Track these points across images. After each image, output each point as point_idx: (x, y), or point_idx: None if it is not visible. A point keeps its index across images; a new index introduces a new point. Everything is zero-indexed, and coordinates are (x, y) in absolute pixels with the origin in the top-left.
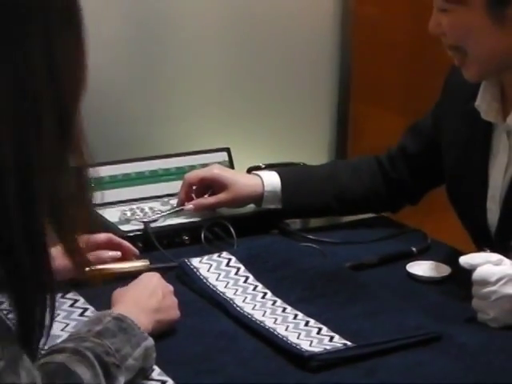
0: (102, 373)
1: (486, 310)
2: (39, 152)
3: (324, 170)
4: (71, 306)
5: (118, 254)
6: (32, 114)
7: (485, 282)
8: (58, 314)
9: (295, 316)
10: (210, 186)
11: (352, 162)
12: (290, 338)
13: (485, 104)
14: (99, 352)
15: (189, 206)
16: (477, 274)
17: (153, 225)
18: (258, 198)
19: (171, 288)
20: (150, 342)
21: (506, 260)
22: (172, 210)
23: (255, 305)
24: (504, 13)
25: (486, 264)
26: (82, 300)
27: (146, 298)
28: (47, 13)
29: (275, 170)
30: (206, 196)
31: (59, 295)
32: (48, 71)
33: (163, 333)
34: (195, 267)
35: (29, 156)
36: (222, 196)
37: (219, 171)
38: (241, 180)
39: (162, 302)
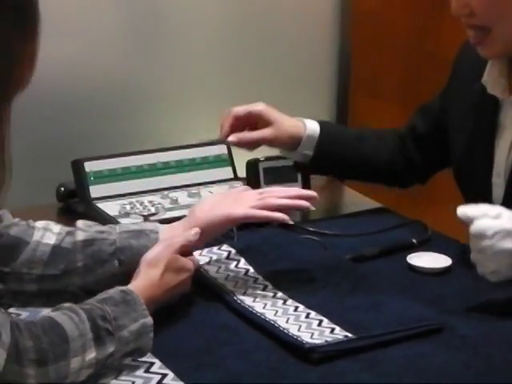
0: (91, 335)
1: (484, 263)
2: None
3: (356, 132)
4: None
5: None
6: None
7: (482, 236)
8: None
9: (296, 308)
10: (255, 121)
11: (378, 131)
12: (290, 330)
13: (491, 79)
14: (95, 315)
15: (232, 138)
16: (474, 228)
17: (153, 218)
18: (297, 142)
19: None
20: (149, 320)
21: (504, 213)
22: (215, 141)
23: (256, 297)
24: None
25: (483, 217)
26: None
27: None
28: None
29: (316, 120)
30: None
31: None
32: None
33: (164, 324)
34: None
35: None
36: (266, 131)
37: (266, 108)
38: (286, 120)
39: (177, 275)
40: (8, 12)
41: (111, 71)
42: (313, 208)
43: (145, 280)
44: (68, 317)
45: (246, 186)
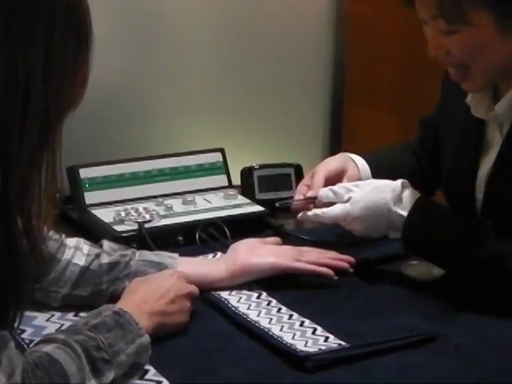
0: (89, 367)
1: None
2: (19, 147)
3: (392, 153)
4: None
5: None
6: (19, 112)
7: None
8: None
9: (290, 316)
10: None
11: (409, 144)
12: (284, 338)
13: (474, 101)
14: (89, 346)
15: None
16: (329, 216)
17: (147, 225)
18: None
19: (189, 289)
20: (146, 339)
21: (354, 196)
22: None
23: (250, 305)
24: None
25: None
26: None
27: (155, 300)
28: (53, 16)
29: (361, 156)
30: None
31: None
32: (43, 72)
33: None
34: None
35: (8, 149)
36: None
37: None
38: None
39: (171, 305)
40: (70, 36)
41: (106, 79)
42: (351, 270)
43: (142, 294)
44: (64, 352)
45: (278, 238)
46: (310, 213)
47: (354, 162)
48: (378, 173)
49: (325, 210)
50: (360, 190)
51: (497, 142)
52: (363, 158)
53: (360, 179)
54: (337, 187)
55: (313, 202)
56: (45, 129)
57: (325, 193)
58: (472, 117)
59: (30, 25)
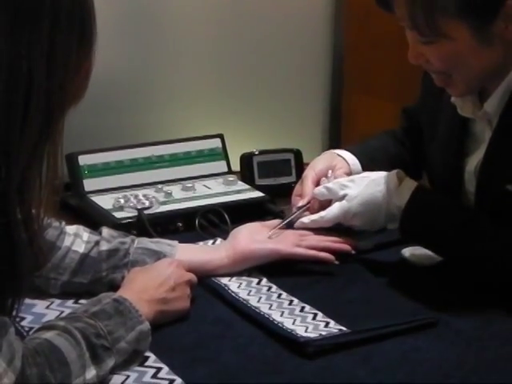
0: (88, 354)
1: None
2: (20, 142)
3: (379, 143)
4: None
5: None
6: (22, 107)
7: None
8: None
9: (290, 302)
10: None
11: (393, 132)
12: (285, 323)
13: (459, 100)
14: (89, 333)
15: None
16: (328, 217)
17: (147, 212)
18: None
19: (188, 277)
20: (146, 326)
21: (350, 193)
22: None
23: (250, 291)
24: (489, 31)
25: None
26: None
27: (155, 287)
28: (57, 13)
29: (348, 151)
30: None
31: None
32: (47, 68)
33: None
34: None
35: (9, 144)
36: None
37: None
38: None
39: (171, 292)
40: (73, 33)
41: (104, 66)
42: (353, 252)
43: (141, 283)
44: (64, 338)
45: (279, 220)
46: (305, 220)
47: (342, 157)
48: (367, 164)
49: (322, 213)
50: (356, 186)
51: (487, 137)
52: (351, 151)
53: (351, 172)
54: (331, 184)
55: (307, 209)
56: (47, 124)
57: (320, 191)
58: (457, 114)
59: (34, 22)
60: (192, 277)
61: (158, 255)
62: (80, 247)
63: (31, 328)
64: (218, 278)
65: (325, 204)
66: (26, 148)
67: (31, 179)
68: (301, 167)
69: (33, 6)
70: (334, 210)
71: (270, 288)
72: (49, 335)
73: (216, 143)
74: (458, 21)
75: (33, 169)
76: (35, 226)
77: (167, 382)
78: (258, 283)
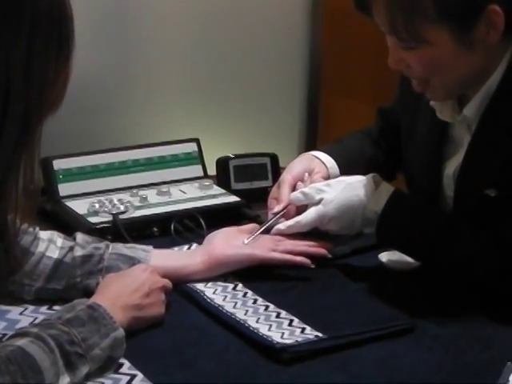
0: (62, 361)
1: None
2: None
3: (357, 144)
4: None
5: None
6: None
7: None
8: None
9: (266, 307)
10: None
11: (369, 131)
12: (261, 329)
13: (439, 104)
14: (63, 340)
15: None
16: (305, 221)
17: (122, 216)
18: None
19: (163, 283)
20: (120, 332)
21: (326, 197)
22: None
23: (226, 296)
24: (471, 36)
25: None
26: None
27: (129, 294)
28: (36, 19)
29: (325, 152)
30: None
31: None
32: (24, 74)
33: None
34: None
35: None
36: None
37: None
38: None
39: (146, 298)
40: (52, 39)
41: (79, 70)
42: (330, 256)
43: (115, 289)
44: (38, 346)
45: (255, 225)
46: (281, 226)
47: (320, 159)
48: (344, 166)
49: (298, 218)
50: (332, 190)
51: (466, 142)
52: (328, 152)
53: (329, 175)
54: (307, 189)
55: (283, 215)
56: (24, 131)
57: (296, 196)
58: (436, 118)
59: (13, 27)
60: (167, 282)
61: (132, 261)
62: (54, 253)
63: (4, 334)
64: (193, 284)
65: (301, 209)
66: (1, 157)
67: (7, 188)
68: (277, 171)
69: (11, 11)
70: (310, 214)
71: (245, 293)
72: (22, 342)
73: (192, 147)
74: (439, 26)
75: (9, 177)
76: (11, 234)
77: None
78: (234, 288)
